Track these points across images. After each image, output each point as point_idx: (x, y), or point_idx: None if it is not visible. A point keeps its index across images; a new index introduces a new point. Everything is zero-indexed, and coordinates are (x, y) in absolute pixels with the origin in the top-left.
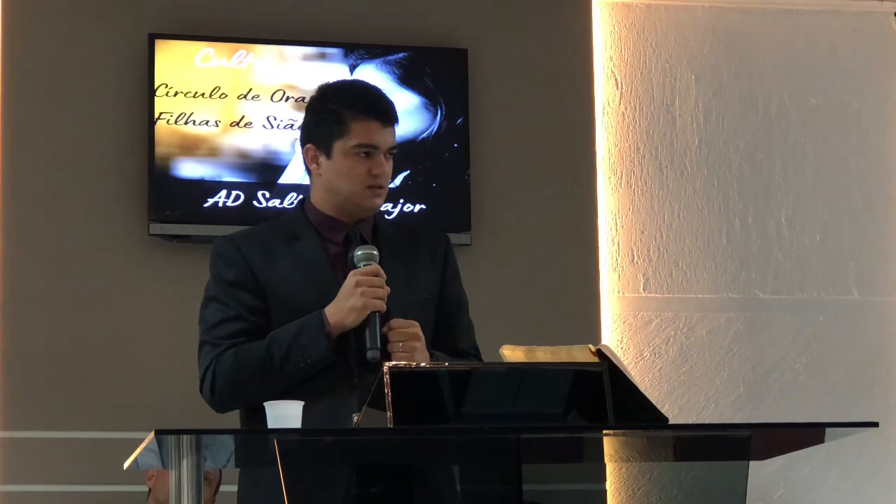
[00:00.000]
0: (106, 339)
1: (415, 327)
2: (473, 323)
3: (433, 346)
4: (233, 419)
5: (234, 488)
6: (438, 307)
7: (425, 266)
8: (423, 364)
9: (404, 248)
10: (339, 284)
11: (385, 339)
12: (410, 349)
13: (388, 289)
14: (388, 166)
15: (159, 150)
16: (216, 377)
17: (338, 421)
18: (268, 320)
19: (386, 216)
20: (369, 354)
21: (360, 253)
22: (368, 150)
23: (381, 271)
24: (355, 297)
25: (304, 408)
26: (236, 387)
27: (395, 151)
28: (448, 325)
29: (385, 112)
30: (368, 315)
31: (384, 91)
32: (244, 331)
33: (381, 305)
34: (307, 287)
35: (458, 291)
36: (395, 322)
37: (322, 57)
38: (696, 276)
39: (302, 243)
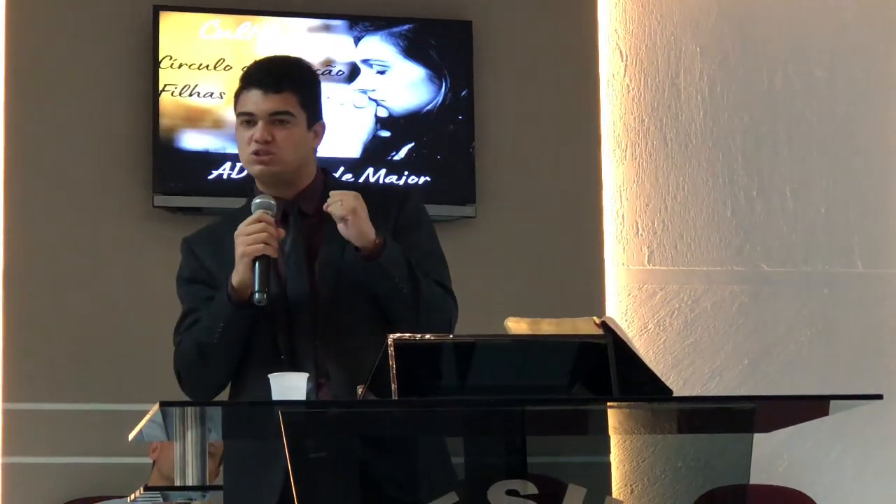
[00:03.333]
0: (110, 310)
1: (353, 194)
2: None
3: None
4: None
5: None
6: None
7: (376, 228)
8: (427, 337)
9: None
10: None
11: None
12: (349, 208)
13: (280, 231)
14: (278, 132)
15: (164, 121)
16: (177, 368)
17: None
18: None
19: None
20: (255, 297)
21: (256, 201)
22: (248, 119)
23: (265, 217)
24: (237, 248)
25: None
26: (190, 373)
27: (283, 118)
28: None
29: (264, 80)
30: (254, 261)
31: (289, 59)
32: (199, 320)
33: (263, 249)
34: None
35: (416, 240)
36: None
37: (327, 29)
38: (701, 249)
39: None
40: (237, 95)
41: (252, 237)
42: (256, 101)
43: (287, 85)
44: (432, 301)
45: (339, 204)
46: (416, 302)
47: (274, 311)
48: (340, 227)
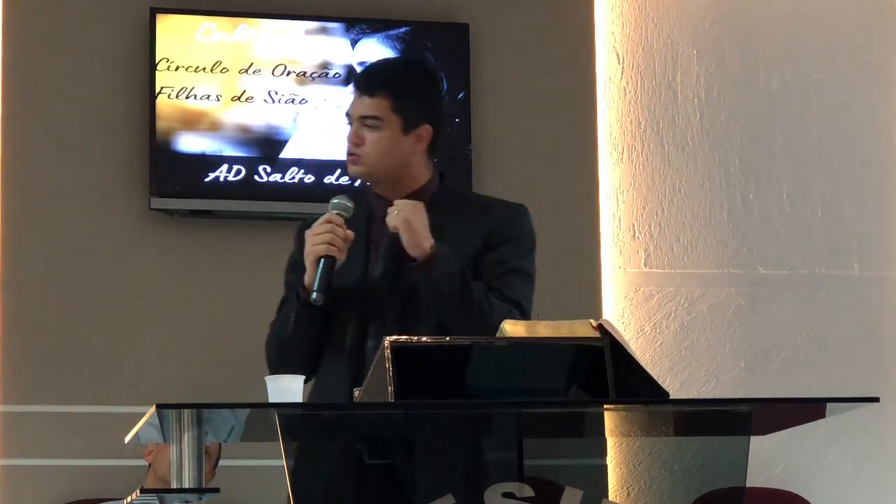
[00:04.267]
0: (107, 313)
1: (413, 204)
2: (532, 290)
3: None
4: (234, 394)
5: (234, 462)
6: (476, 270)
7: (462, 238)
8: (424, 339)
9: (447, 222)
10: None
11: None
12: (402, 220)
13: (350, 233)
14: (368, 135)
15: (160, 124)
16: (266, 356)
17: (335, 396)
18: None
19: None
20: (312, 296)
21: (332, 202)
22: (348, 121)
23: (334, 218)
24: (305, 246)
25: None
26: (272, 361)
27: (369, 122)
28: (485, 276)
29: (360, 83)
30: (318, 260)
31: (398, 62)
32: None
33: (328, 250)
34: (343, 265)
35: (504, 255)
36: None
37: (324, 31)
38: (698, 252)
39: (354, 221)
40: None
41: (318, 237)
42: (353, 103)
43: (381, 89)
44: (484, 312)
45: (395, 214)
46: (466, 312)
47: (351, 305)
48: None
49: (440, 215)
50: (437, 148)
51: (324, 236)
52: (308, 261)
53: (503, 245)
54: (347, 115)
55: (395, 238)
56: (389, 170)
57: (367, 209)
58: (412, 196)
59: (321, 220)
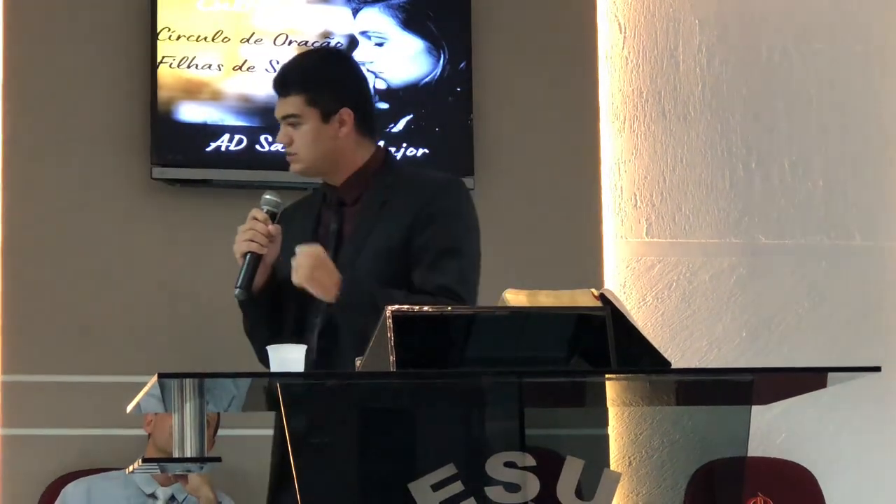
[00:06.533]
0: (108, 282)
1: (311, 255)
2: (473, 265)
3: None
4: (235, 363)
5: (233, 432)
6: (409, 253)
7: (397, 218)
8: (426, 309)
9: (379, 205)
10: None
11: None
12: (304, 278)
13: (274, 228)
14: (293, 133)
15: (162, 94)
16: None
17: None
18: None
19: (400, 168)
20: (235, 293)
21: (262, 198)
22: (279, 124)
23: (260, 215)
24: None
25: None
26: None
27: (290, 121)
28: (415, 265)
29: (276, 84)
30: (244, 257)
31: (305, 57)
32: None
33: (249, 246)
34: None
35: (435, 234)
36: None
37: (325, 0)
38: (699, 221)
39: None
40: None
41: (242, 234)
42: (278, 105)
43: (292, 87)
44: None
45: (298, 273)
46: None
47: (294, 293)
48: None
49: (379, 196)
50: (368, 126)
51: (247, 233)
52: (239, 257)
53: (429, 226)
54: (276, 118)
55: (339, 225)
56: (322, 160)
57: (321, 196)
58: (347, 181)
59: (249, 216)
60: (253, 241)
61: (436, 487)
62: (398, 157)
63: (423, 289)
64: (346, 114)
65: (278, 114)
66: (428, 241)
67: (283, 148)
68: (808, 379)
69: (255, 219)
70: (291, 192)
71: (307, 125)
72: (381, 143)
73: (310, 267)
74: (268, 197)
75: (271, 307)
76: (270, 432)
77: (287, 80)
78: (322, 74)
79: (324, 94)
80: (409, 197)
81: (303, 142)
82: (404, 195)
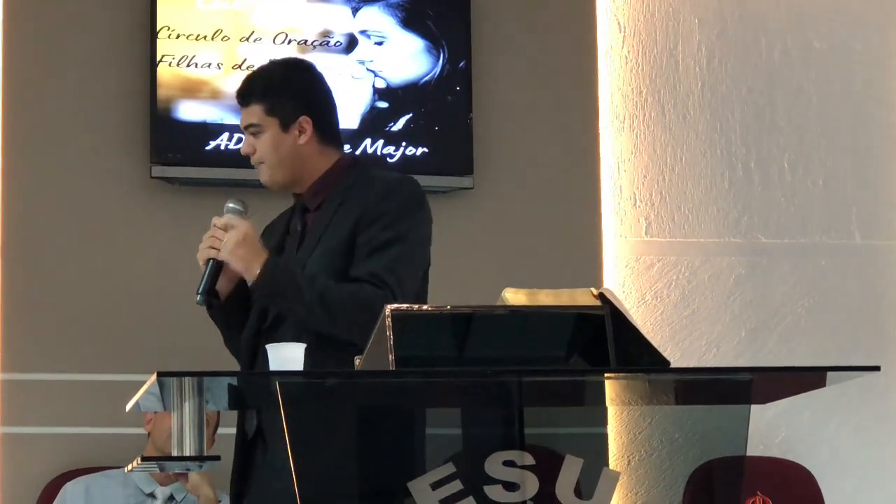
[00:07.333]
0: (107, 281)
1: (233, 237)
2: (408, 257)
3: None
4: (234, 362)
5: (233, 430)
6: (354, 250)
7: (348, 216)
8: (425, 308)
9: (336, 206)
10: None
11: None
12: (227, 254)
13: (227, 235)
14: (257, 142)
15: (161, 92)
16: None
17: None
18: None
19: (364, 173)
20: (196, 299)
21: (227, 206)
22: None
23: (220, 221)
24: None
25: None
26: None
27: (252, 130)
28: (356, 258)
29: (238, 95)
30: (206, 263)
31: (266, 68)
32: None
33: (209, 253)
34: None
35: (378, 229)
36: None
37: None
38: (699, 221)
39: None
40: None
41: (203, 242)
42: (242, 115)
43: (251, 98)
44: (329, 307)
45: (219, 251)
46: (309, 313)
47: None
48: None
49: (337, 199)
50: (330, 134)
51: (208, 241)
52: (202, 264)
53: (374, 223)
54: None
55: (303, 228)
56: (283, 168)
57: (294, 205)
58: (311, 189)
59: (213, 224)
60: (212, 247)
61: (435, 486)
62: (397, 157)
63: (355, 276)
64: (306, 122)
65: (241, 124)
66: (371, 237)
67: (250, 157)
68: (808, 378)
69: (217, 226)
70: (285, 195)
71: (267, 133)
72: (380, 142)
73: (234, 242)
74: (231, 205)
75: (239, 314)
76: None
77: (247, 90)
78: (281, 84)
79: (283, 103)
80: (360, 196)
81: (264, 150)
82: (357, 195)
